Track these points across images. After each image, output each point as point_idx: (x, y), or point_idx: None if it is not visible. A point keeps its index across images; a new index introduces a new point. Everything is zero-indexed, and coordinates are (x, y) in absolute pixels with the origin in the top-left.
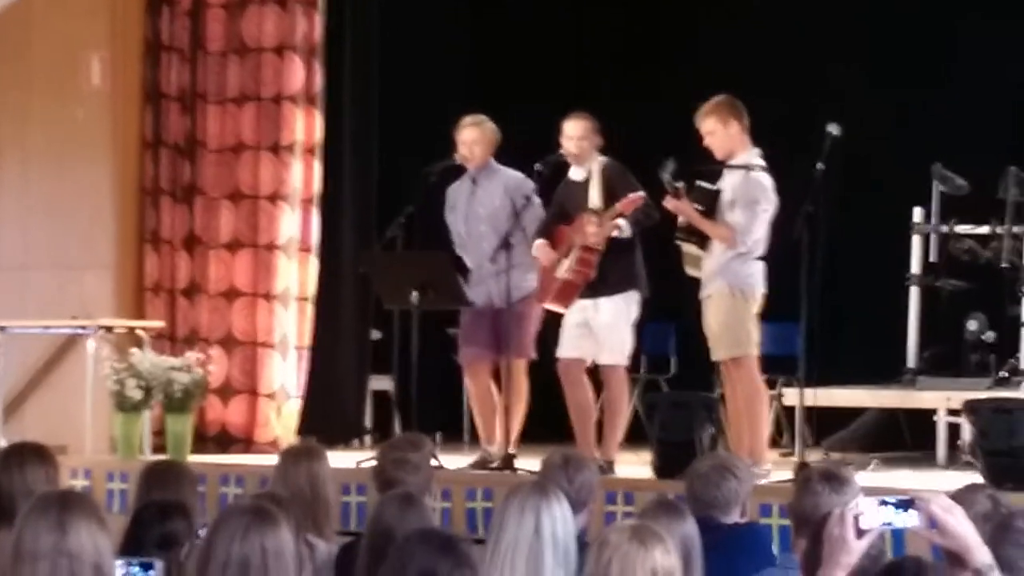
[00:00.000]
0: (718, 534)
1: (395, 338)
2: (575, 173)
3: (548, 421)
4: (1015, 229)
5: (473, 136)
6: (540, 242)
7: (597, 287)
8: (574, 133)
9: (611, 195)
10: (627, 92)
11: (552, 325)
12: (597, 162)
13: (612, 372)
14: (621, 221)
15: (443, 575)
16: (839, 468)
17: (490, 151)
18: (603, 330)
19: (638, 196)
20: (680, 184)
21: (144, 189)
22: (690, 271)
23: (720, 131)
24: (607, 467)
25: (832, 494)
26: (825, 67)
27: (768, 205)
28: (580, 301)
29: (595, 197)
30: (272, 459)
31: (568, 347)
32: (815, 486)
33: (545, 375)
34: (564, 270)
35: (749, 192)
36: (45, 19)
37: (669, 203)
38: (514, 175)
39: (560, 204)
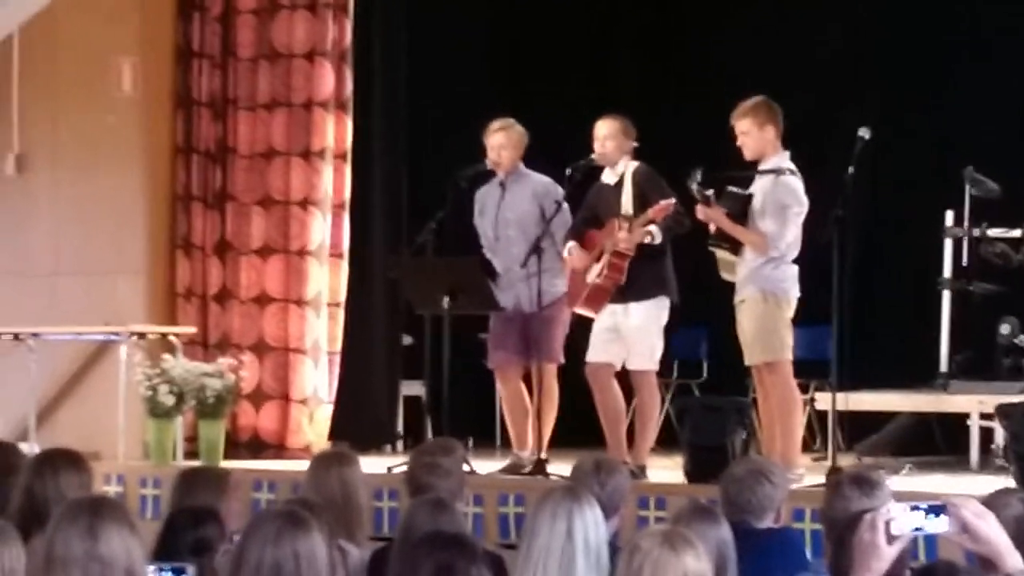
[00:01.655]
0: (751, 539)
1: (426, 343)
2: (607, 176)
3: (579, 425)
4: None
5: (501, 140)
6: (572, 244)
7: (627, 292)
8: (600, 133)
9: (642, 200)
10: (654, 95)
11: (583, 329)
12: (630, 166)
13: (642, 377)
14: (653, 228)
15: (460, 569)
16: (870, 472)
17: (519, 155)
18: (633, 334)
19: (669, 203)
20: (710, 192)
21: (175, 195)
22: (726, 276)
23: (755, 132)
24: (639, 472)
25: (863, 498)
26: (856, 70)
27: (799, 208)
28: (610, 306)
29: (627, 202)
30: (304, 465)
31: (597, 351)
32: (846, 491)
33: (576, 379)
34: (595, 275)
35: (779, 197)
36: (74, 25)
37: (700, 212)
38: (543, 180)
39: (591, 207)
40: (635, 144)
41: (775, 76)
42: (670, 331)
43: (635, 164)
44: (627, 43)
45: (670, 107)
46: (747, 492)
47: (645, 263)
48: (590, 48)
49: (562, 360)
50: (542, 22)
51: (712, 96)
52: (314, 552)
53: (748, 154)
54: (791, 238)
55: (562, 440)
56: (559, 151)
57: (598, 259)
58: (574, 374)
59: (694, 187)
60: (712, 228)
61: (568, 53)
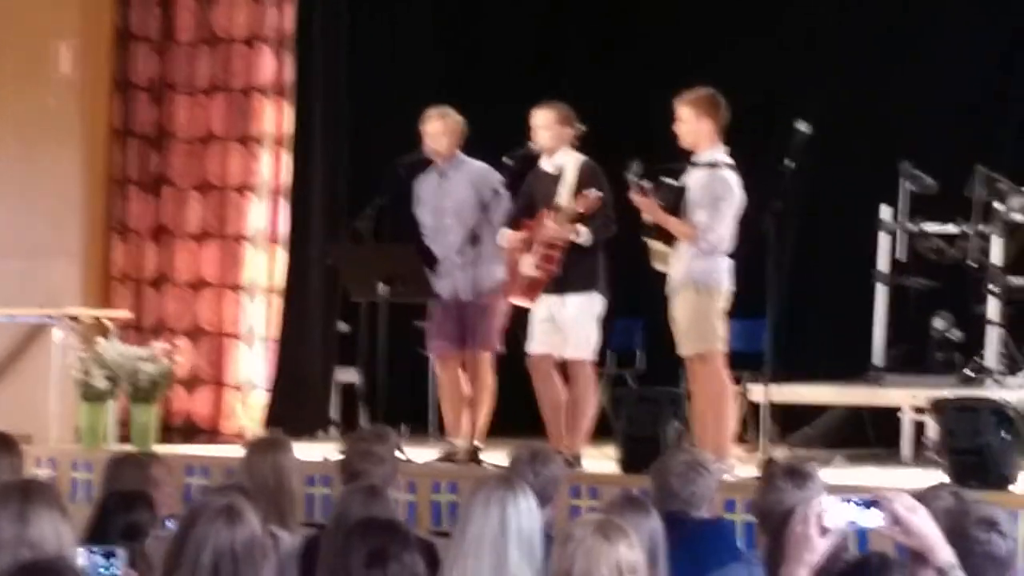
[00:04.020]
0: (686, 529)
1: (362, 330)
2: (545, 164)
3: (515, 415)
4: (982, 228)
5: (437, 128)
6: (507, 231)
7: (562, 283)
8: (535, 123)
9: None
10: (597, 84)
11: (521, 319)
12: (574, 158)
13: (578, 367)
14: (581, 228)
15: (392, 555)
16: (803, 464)
17: (456, 143)
18: (569, 325)
19: (596, 196)
20: (646, 182)
21: (112, 178)
22: (657, 266)
23: (692, 122)
24: (574, 461)
25: (795, 490)
26: (795, 63)
27: (733, 202)
28: (547, 297)
29: (564, 193)
30: (238, 450)
31: (537, 342)
32: (778, 482)
33: (513, 369)
34: (528, 265)
35: (713, 190)
36: (13, 7)
37: (634, 199)
38: (480, 167)
39: (528, 195)
40: (578, 131)
41: (716, 68)
42: (603, 321)
43: (580, 158)
44: (572, 32)
45: (612, 97)
46: (689, 484)
47: (578, 257)
48: (535, 36)
49: (499, 349)
50: (485, 9)
51: (653, 87)
52: (253, 546)
53: (682, 141)
54: (723, 231)
55: (497, 429)
56: (502, 139)
57: (529, 248)
58: (511, 363)
59: (631, 177)
60: (645, 217)
61: (512, 41)
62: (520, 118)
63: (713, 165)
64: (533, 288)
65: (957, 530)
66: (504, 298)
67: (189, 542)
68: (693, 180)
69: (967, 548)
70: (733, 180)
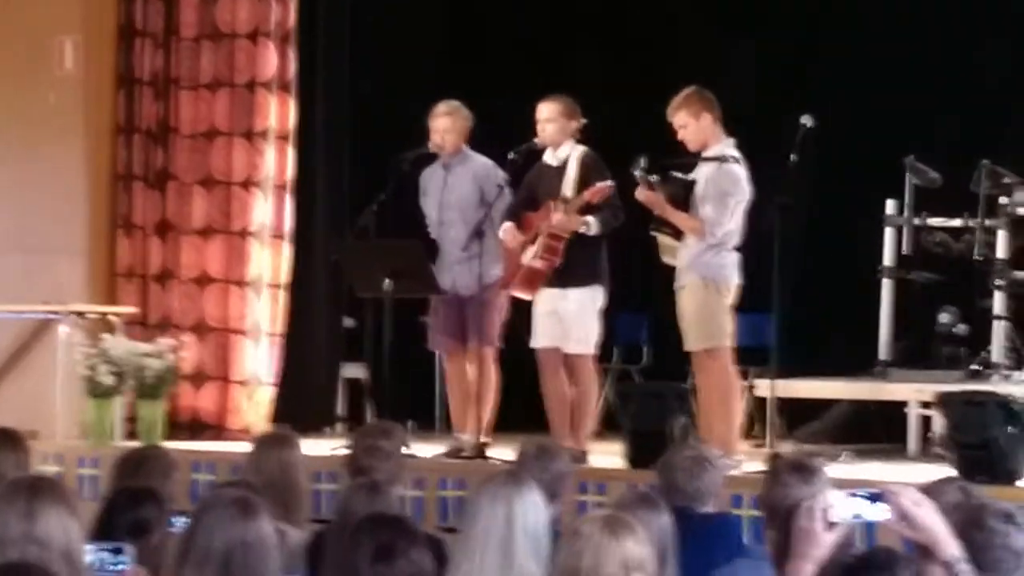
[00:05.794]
0: (691, 524)
1: (368, 326)
2: (549, 157)
3: (520, 410)
4: (987, 222)
5: (445, 124)
6: (508, 225)
7: (564, 277)
8: (540, 116)
9: (584, 185)
10: (600, 81)
11: (524, 313)
12: (576, 150)
13: (580, 361)
14: (590, 219)
15: (400, 550)
16: (808, 459)
17: (463, 139)
18: (570, 319)
19: (606, 185)
20: (653, 177)
21: (116, 174)
22: (667, 259)
23: (692, 124)
24: (580, 456)
25: (801, 485)
26: (799, 57)
27: (741, 196)
28: (549, 290)
29: (568, 185)
30: (244, 446)
31: (542, 336)
32: (784, 477)
33: (517, 364)
34: (530, 257)
35: (720, 184)
36: (16, 3)
37: (640, 195)
38: (485, 163)
39: (530, 188)
40: (581, 124)
41: (721, 62)
42: (608, 317)
43: (582, 148)
44: (576, 27)
45: (617, 94)
46: (695, 480)
47: (581, 250)
48: (538, 30)
49: (499, 344)
50: (489, 4)
51: (658, 83)
52: (264, 539)
53: (691, 146)
54: (731, 225)
55: (503, 424)
56: (504, 134)
57: (533, 241)
58: (515, 359)
59: (637, 173)
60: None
61: (514, 35)
62: (524, 113)
63: (721, 159)
64: (534, 280)
65: (976, 523)
66: (503, 291)
67: (201, 532)
68: (701, 174)
69: (986, 541)
70: (741, 174)
